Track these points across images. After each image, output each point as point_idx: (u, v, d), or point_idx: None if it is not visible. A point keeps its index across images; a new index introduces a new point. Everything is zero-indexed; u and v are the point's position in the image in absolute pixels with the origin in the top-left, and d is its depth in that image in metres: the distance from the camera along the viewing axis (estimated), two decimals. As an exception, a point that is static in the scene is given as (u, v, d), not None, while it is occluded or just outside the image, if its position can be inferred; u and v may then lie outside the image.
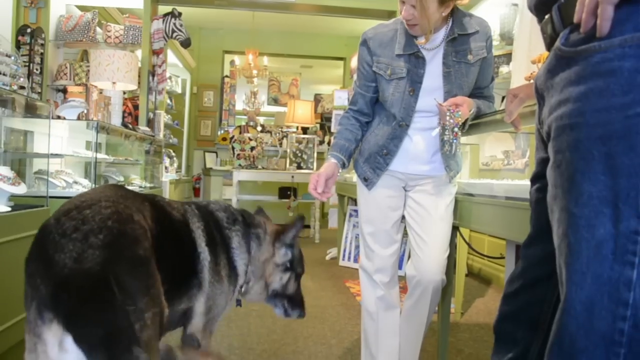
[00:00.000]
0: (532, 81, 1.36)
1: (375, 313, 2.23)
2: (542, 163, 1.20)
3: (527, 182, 1.43)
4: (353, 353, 2.71)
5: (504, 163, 4.33)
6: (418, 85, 2.09)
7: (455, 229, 2.37)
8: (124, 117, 5.08)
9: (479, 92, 2.20)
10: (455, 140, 2.05)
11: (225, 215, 1.72)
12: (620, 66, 0.92)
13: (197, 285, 1.55)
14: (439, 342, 2.56)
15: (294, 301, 1.86)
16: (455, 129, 2.02)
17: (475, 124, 2.19)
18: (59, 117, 3.70)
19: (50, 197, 3.24)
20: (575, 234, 0.96)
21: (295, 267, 1.87)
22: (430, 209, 2.16)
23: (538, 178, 1.28)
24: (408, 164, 2.18)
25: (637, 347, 0.89)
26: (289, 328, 3.19)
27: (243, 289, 1.77)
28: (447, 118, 1.98)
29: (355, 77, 2.28)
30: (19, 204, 2.68)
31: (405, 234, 2.32)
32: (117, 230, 1.22)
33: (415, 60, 2.08)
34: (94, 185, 3.67)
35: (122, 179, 4.96)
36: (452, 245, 2.32)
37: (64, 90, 4.41)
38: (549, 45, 1.16)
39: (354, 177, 3.39)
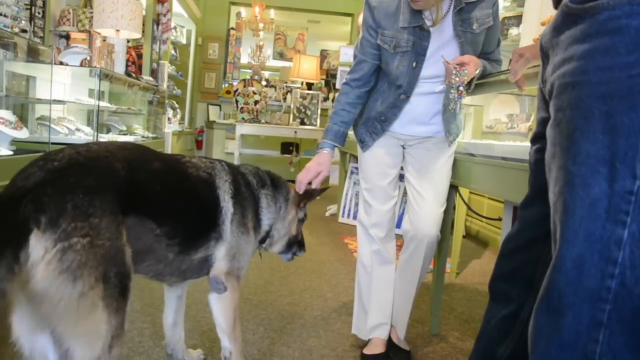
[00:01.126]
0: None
1: (369, 266, 2.27)
2: (543, 123, 1.20)
3: (527, 144, 1.43)
4: (348, 307, 2.76)
5: (508, 126, 4.31)
6: (422, 57, 2.07)
7: (454, 188, 2.38)
8: (127, 66, 5.03)
9: (485, 56, 2.18)
10: (460, 99, 2.05)
11: (255, 180, 1.90)
12: (627, 24, 0.91)
13: (216, 236, 1.69)
14: (433, 300, 2.60)
15: (300, 244, 2.11)
16: (461, 88, 2.01)
17: (480, 84, 2.17)
18: (61, 63, 3.66)
19: (52, 143, 3.25)
20: (571, 191, 0.97)
21: (305, 217, 2.11)
22: (429, 164, 2.18)
23: (538, 138, 1.28)
24: (406, 126, 2.19)
25: (623, 304, 0.91)
26: (286, 280, 3.25)
27: (267, 244, 1.97)
28: (453, 76, 1.98)
29: (359, 40, 2.23)
30: (20, 148, 2.69)
31: (404, 194, 2.34)
32: (72, 161, 1.31)
33: (420, 32, 2.04)
34: (96, 133, 3.67)
35: (124, 128, 4.95)
36: (450, 202, 2.34)
37: (67, 37, 4.35)
38: (556, 3, 1.14)
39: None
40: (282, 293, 3.03)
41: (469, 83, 2.06)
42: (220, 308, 1.83)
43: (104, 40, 4.35)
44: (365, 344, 2.30)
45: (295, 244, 2.08)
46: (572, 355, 0.95)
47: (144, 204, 1.45)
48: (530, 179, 1.35)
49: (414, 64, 2.07)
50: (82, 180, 1.27)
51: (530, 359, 1.04)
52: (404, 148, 2.26)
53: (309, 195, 2.07)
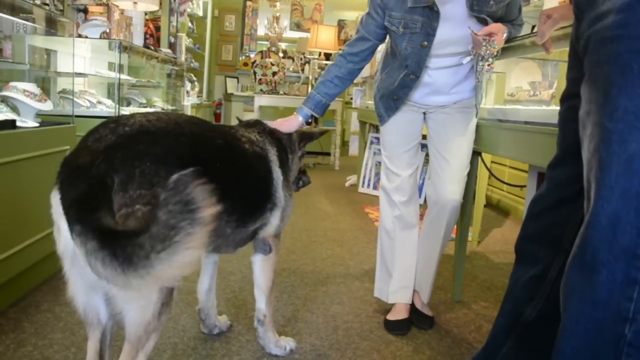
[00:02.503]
0: (567, 1, 1.31)
1: (392, 231, 2.28)
2: (574, 82, 1.18)
3: (553, 108, 1.41)
4: (370, 274, 2.78)
5: (530, 94, 4.24)
6: (431, 38, 2.03)
7: (477, 155, 2.37)
8: (145, 38, 5.03)
9: (510, 22, 2.13)
10: (490, 70, 2.02)
11: (283, 139, 1.99)
12: None
13: (270, 206, 1.78)
14: (455, 267, 2.61)
15: (304, 175, 2.20)
16: (490, 60, 1.98)
17: (503, 48, 2.14)
18: (80, 36, 3.67)
19: (76, 116, 3.29)
20: (607, 148, 0.95)
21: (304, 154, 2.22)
22: (451, 129, 2.17)
23: (569, 97, 1.26)
24: (426, 97, 2.18)
25: None
26: (308, 249, 3.28)
27: None
28: (484, 48, 1.94)
29: (364, 15, 2.19)
30: (45, 121, 2.72)
31: (425, 161, 2.33)
32: (143, 128, 1.35)
33: (430, 12, 2.00)
34: (117, 106, 3.69)
35: (144, 101, 4.97)
36: (473, 168, 2.33)
37: (85, 10, 4.34)
38: None
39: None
40: (305, 261, 3.06)
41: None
42: (263, 268, 1.91)
43: (122, 13, 4.34)
44: (388, 309, 2.32)
45: (300, 178, 2.18)
46: (605, 313, 0.95)
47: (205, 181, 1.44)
48: (559, 139, 1.33)
49: (423, 44, 2.04)
50: (151, 148, 1.30)
51: (563, 317, 1.04)
52: (425, 114, 2.25)
53: (310, 136, 2.15)
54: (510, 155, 2.23)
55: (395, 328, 2.21)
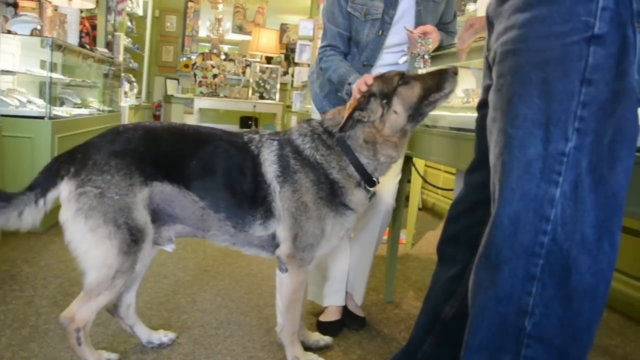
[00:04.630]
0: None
1: (325, 236, 2.31)
2: (488, 90, 1.25)
3: (475, 114, 1.48)
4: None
5: (464, 101, 4.39)
6: (388, 26, 2.10)
7: (409, 159, 2.44)
8: (81, 37, 4.90)
9: (444, 27, 2.24)
10: (425, 67, 2.10)
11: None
12: None
13: (264, 216, 1.78)
14: (387, 269, 2.67)
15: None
16: (426, 57, 2.06)
17: (435, 56, 2.22)
18: (9, 32, 3.54)
19: (2, 115, 3.17)
20: (509, 153, 1.02)
21: None
22: None
23: (483, 105, 1.33)
24: None
25: (554, 258, 0.98)
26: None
27: None
28: (419, 45, 2.02)
29: (323, 9, 2.23)
30: (-32, 120, 2.61)
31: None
32: (112, 130, 1.74)
33: (389, 0, 2.08)
34: (49, 105, 3.58)
35: (79, 101, 4.84)
36: (405, 173, 2.39)
37: (15, 5, 4.19)
38: None
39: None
40: (240, 264, 3.06)
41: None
42: (279, 286, 1.89)
43: (56, 10, 4.22)
44: (321, 311, 2.35)
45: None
46: (508, 308, 1.01)
47: (182, 178, 1.71)
48: (475, 145, 1.40)
49: (380, 32, 2.10)
50: (110, 145, 1.67)
51: (470, 313, 1.09)
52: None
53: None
54: (440, 160, 2.31)
55: (328, 329, 2.25)
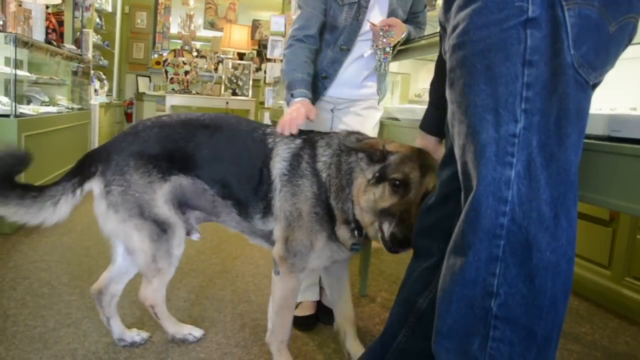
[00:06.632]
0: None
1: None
2: None
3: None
4: (279, 272, 2.80)
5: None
6: (364, 10, 2.11)
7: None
8: (47, 33, 4.80)
9: (414, 17, 2.25)
10: (385, 60, 2.12)
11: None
12: None
13: (262, 210, 1.81)
14: (362, 263, 2.68)
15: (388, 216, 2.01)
16: (387, 49, 2.08)
17: (404, 49, 2.23)
18: (-28, 29, 3.45)
19: (-34, 113, 3.09)
20: (467, 142, 1.05)
21: None
22: (358, 129, 2.22)
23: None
24: (337, 88, 2.22)
25: (514, 238, 0.99)
26: (218, 249, 3.25)
27: None
28: (381, 38, 2.04)
29: None
30: None
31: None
32: (132, 129, 1.89)
33: None
34: (14, 104, 3.49)
35: (47, 99, 4.74)
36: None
37: (-22, 1, 4.09)
38: None
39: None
40: (214, 261, 3.04)
41: (393, 47, 2.11)
42: (273, 287, 1.85)
43: (20, 5, 4.12)
44: (296, 306, 2.34)
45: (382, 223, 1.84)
46: (474, 291, 1.03)
47: (194, 168, 1.81)
48: (445, 141, 1.42)
49: (356, 17, 2.11)
50: (129, 145, 1.81)
51: (438, 297, 1.11)
52: (332, 112, 2.29)
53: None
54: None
55: (302, 324, 2.25)
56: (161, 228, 1.79)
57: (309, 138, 1.81)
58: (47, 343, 1.97)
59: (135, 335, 2.02)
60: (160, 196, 1.79)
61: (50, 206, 1.77)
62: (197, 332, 2.08)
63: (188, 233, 1.93)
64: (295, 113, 1.88)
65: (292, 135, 1.81)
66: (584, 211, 2.72)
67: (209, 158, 1.81)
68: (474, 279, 1.03)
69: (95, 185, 1.80)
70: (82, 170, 1.81)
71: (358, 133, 1.85)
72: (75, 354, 1.91)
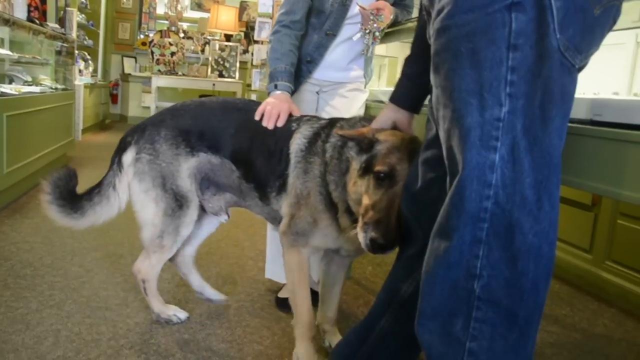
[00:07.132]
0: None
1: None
2: None
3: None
4: (264, 254, 2.79)
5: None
6: None
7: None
8: (29, 11, 4.70)
9: (400, 0, 2.22)
10: (374, 44, 2.12)
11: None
12: None
13: (277, 186, 1.81)
14: (346, 245, 2.68)
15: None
16: (377, 33, 2.07)
17: (391, 32, 2.22)
18: (-47, 6, 3.38)
19: (-54, 92, 3.04)
20: (452, 126, 1.05)
21: None
22: (344, 112, 2.22)
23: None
24: (323, 70, 2.21)
25: (497, 220, 1.00)
26: (203, 232, 3.24)
27: None
28: (371, 22, 2.03)
29: None
30: None
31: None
32: (173, 106, 1.99)
33: None
34: (-4, 82, 3.45)
35: (29, 79, 4.67)
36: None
37: (-43, -23, 4.00)
38: None
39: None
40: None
41: (381, 30, 2.11)
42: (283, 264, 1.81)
43: (1, -17, 4.03)
44: (280, 287, 2.35)
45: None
46: (457, 273, 1.03)
47: (223, 148, 1.85)
48: (427, 124, 1.41)
49: (345, 1, 2.09)
50: (164, 118, 1.90)
51: (422, 279, 1.11)
52: (318, 94, 2.28)
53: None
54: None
55: (286, 305, 2.23)
56: (178, 203, 1.85)
57: (333, 120, 1.81)
58: (30, 324, 1.96)
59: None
60: (185, 169, 1.85)
61: (112, 193, 1.91)
62: (182, 315, 2.08)
63: (216, 213, 2.00)
64: (277, 109, 1.86)
65: (321, 119, 1.83)
66: (567, 196, 2.75)
67: (237, 139, 1.85)
68: (458, 262, 1.03)
69: (129, 154, 1.88)
70: (121, 144, 1.92)
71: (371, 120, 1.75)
72: (58, 335, 1.91)
